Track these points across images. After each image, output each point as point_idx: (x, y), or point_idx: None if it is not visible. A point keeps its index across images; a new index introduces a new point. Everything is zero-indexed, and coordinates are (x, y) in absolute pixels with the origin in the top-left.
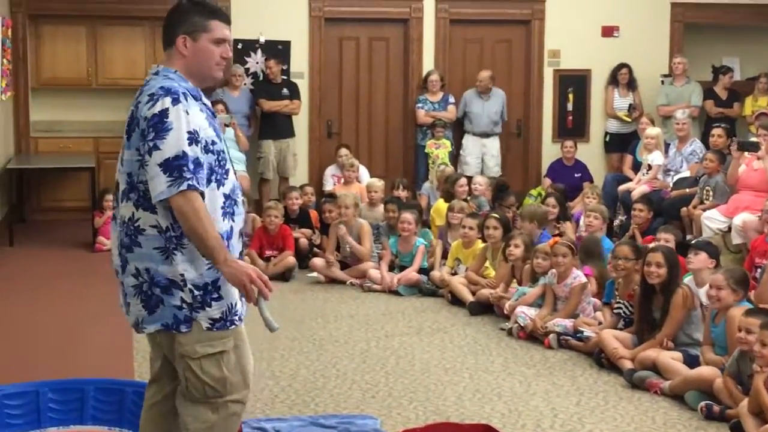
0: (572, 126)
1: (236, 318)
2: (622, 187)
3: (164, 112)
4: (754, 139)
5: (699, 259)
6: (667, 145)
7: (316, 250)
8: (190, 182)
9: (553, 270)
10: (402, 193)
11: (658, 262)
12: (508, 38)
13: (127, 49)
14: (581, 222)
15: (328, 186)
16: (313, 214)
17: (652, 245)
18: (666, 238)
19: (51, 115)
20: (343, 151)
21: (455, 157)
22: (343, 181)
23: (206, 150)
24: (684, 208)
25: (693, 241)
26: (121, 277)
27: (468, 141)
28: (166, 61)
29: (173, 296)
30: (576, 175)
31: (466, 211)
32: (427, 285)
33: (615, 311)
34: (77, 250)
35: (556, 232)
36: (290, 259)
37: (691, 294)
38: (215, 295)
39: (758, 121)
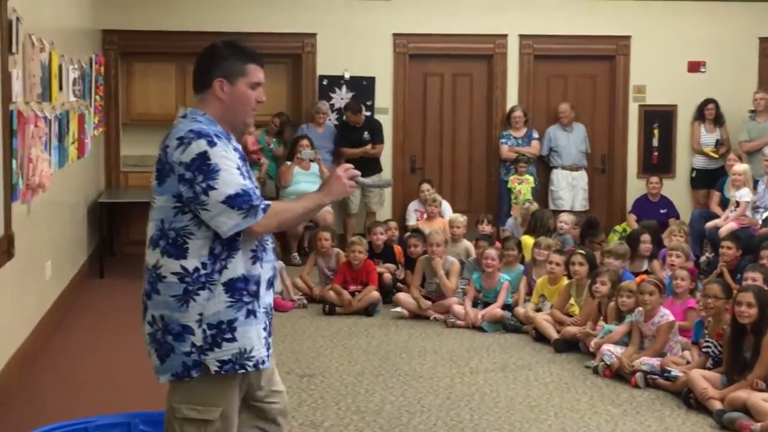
0: (658, 162)
1: (249, 363)
2: (709, 224)
3: (204, 155)
4: None
5: None
6: (755, 182)
7: (399, 284)
8: (262, 206)
9: (640, 308)
10: (486, 228)
11: (749, 301)
12: (593, 74)
13: None
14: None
15: (411, 221)
16: (397, 249)
17: (743, 285)
18: (754, 277)
19: (141, 150)
20: (426, 186)
21: (541, 193)
22: (425, 216)
23: None
24: None
25: None
26: (142, 325)
27: (558, 176)
28: (197, 104)
29: (184, 342)
30: (662, 211)
31: (552, 247)
32: (511, 321)
33: (704, 350)
34: None
35: (645, 269)
36: (374, 293)
37: None
38: (228, 336)
39: None
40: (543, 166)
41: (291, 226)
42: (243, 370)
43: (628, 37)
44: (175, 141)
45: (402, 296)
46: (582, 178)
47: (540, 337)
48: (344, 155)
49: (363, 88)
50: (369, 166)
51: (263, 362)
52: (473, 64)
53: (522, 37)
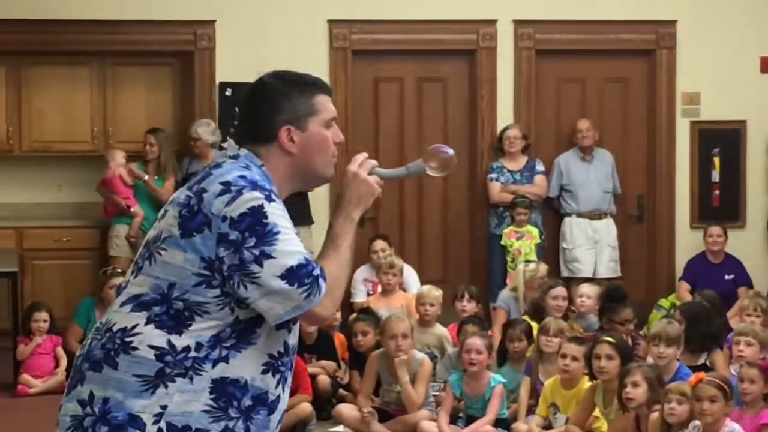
0: (720, 205)
1: None
2: None
3: (259, 212)
4: None
5: None
6: None
7: (342, 392)
8: (322, 274)
9: (696, 422)
10: (468, 306)
11: None
12: (623, 76)
13: (65, 97)
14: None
15: (359, 296)
16: (338, 338)
17: None
18: None
19: None
20: (380, 244)
21: (550, 253)
22: (380, 289)
23: None
24: None
25: None
26: (62, 400)
27: (572, 227)
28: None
29: None
30: (727, 277)
31: (566, 333)
32: None
33: None
34: None
35: (701, 362)
36: (304, 406)
37: None
38: None
39: None
40: (552, 213)
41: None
42: None
43: (673, 23)
44: (219, 186)
45: (345, 409)
46: (609, 231)
47: None
48: None
49: None
50: (294, 209)
51: None
52: (447, 63)
53: (518, 23)
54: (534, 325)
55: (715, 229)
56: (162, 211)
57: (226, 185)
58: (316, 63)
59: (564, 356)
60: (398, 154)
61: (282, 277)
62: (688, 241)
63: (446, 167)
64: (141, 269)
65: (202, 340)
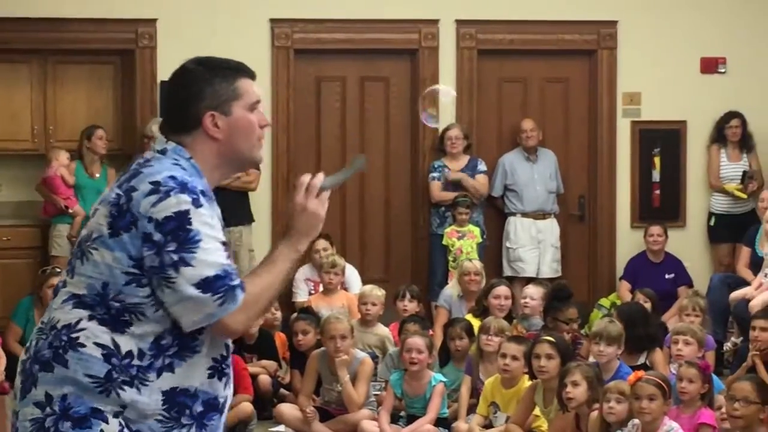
0: (660, 204)
1: None
2: (735, 295)
3: (183, 217)
4: None
5: None
6: None
7: (283, 391)
8: (241, 285)
9: (635, 421)
10: (409, 306)
11: None
12: (564, 76)
13: (4, 96)
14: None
15: (301, 296)
16: (279, 338)
17: None
18: None
19: None
20: (321, 243)
21: (492, 252)
22: (321, 288)
23: None
24: None
25: None
26: (17, 406)
27: (516, 227)
28: (185, 149)
29: (90, 430)
30: (667, 276)
31: (506, 332)
32: None
33: None
34: None
35: (641, 362)
36: (245, 405)
37: None
38: None
39: None
40: (495, 213)
41: (268, 310)
42: None
43: (614, 23)
44: (148, 185)
45: (286, 409)
46: (552, 229)
47: None
48: None
49: None
50: (233, 207)
51: None
52: (389, 63)
53: (460, 23)
54: (476, 323)
55: (656, 229)
56: (92, 210)
57: (156, 185)
58: (258, 62)
59: (504, 355)
60: (340, 153)
61: (197, 285)
62: (628, 241)
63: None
64: (74, 269)
65: (143, 346)
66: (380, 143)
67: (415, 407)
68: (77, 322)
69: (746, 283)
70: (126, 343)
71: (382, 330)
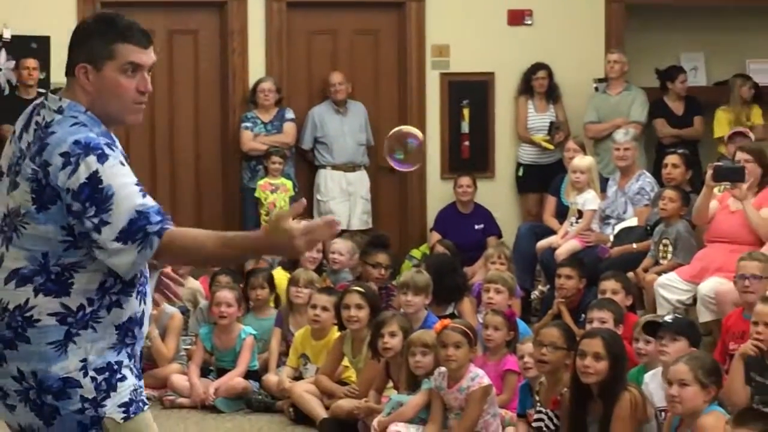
0: (469, 156)
1: (144, 398)
2: (542, 243)
3: (95, 179)
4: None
5: (676, 349)
6: (604, 182)
7: None
8: (157, 228)
9: (441, 369)
10: None
11: (596, 352)
12: (373, 28)
13: None
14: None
15: None
16: None
17: (587, 329)
18: (603, 318)
19: None
20: None
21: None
22: None
23: None
24: (630, 273)
25: (666, 319)
26: None
27: (326, 179)
28: (67, 92)
29: (71, 399)
30: (477, 226)
31: (316, 284)
32: (258, 396)
33: (534, 425)
34: None
35: (450, 311)
36: None
37: (642, 398)
38: (120, 375)
39: (734, 144)
40: (306, 166)
41: (202, 264)
42: (146, 406)
43: None
44: (59, 158)
45: None
46: (362, 181)
47: (302, 417)
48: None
49: (33, 53)
50: None
51: (145, 401)
52: (197, 16)
53: None
54: (286, 276)
55: (465, 180)
56: (7, 180)
57: (65, 156)
58: (62, 15)
59: (314, 306)
60: (148, 108)
61: (117, 239)
62: (439, 192)
63: (416, 158)
64: (11, 240)
65: (90, 295)
66: (189, 98)
67: (225, 360)
68: (26, 302)
69: (553, 232)
70: (75, 301)
71: (193, 284)
